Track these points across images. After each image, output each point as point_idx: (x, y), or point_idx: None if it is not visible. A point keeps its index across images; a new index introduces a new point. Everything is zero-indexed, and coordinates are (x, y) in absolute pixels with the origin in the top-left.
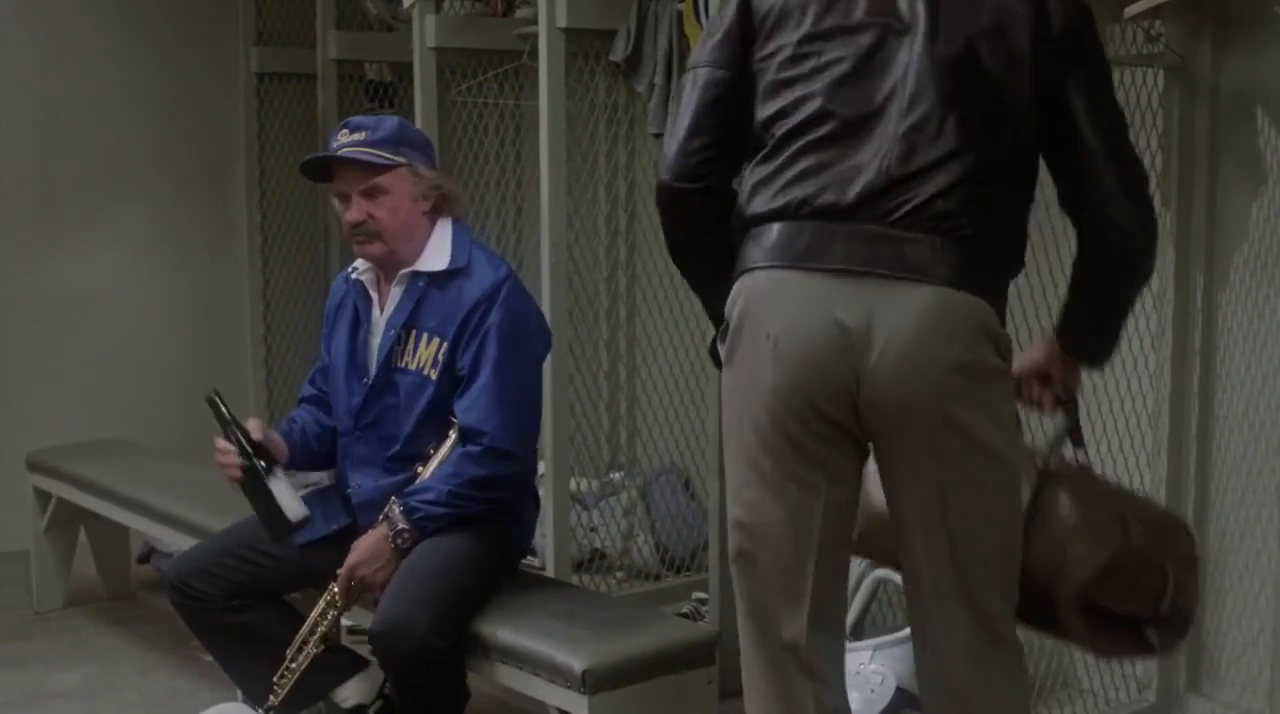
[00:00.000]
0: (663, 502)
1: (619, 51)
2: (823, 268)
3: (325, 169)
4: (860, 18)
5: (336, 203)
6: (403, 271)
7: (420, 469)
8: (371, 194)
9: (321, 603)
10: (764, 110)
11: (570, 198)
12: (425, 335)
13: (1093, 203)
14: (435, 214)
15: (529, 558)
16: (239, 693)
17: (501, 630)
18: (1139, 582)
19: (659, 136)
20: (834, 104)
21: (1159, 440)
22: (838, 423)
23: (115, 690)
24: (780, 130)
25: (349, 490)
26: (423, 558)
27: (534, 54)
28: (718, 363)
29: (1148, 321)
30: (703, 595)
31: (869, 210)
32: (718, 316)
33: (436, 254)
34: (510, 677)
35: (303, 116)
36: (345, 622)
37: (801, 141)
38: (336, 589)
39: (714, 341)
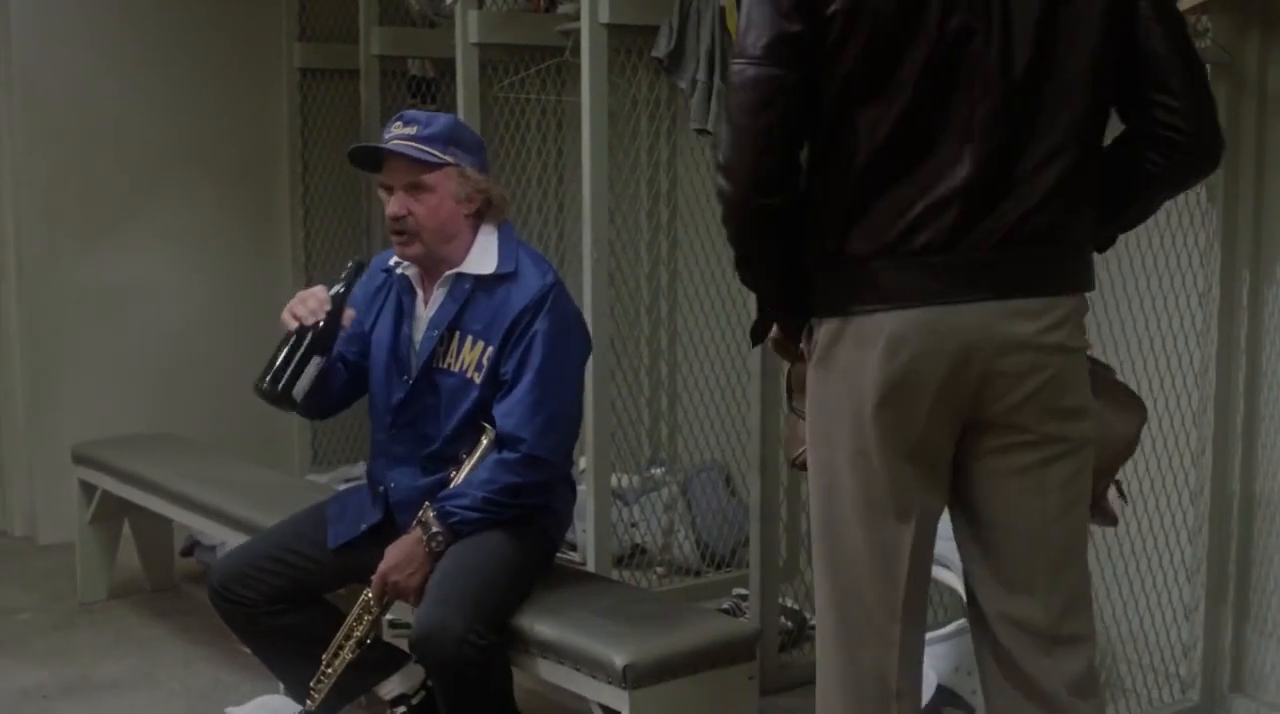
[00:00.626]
0: (703, 498)
1: (661, 47)
2: None
3: (374, 159)
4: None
5: (382, 193)
6: (447, 272)
7: (454, 472)
8: (415, 190)
9: (356, 608)
10: None
11: (612, 194)
12: (470, 338)
13: (1185, 105)
14: (479, 218)
15: (570, 553)
16: (281, 686)
17: (542, 625)
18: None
19: (701, 132)
20: None
21: (1203, 439)
22: None
23: (159, 682)
24: None
25: (384, 487)
26: (457, 559)
27: (576, 50)
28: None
29: (1193, 318)
30: (743, 592)
31: None
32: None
33: (483, 257)
34: (552, 672)
35: (346, 112)
36: (388, 615)
37: None
38: (371, 594)
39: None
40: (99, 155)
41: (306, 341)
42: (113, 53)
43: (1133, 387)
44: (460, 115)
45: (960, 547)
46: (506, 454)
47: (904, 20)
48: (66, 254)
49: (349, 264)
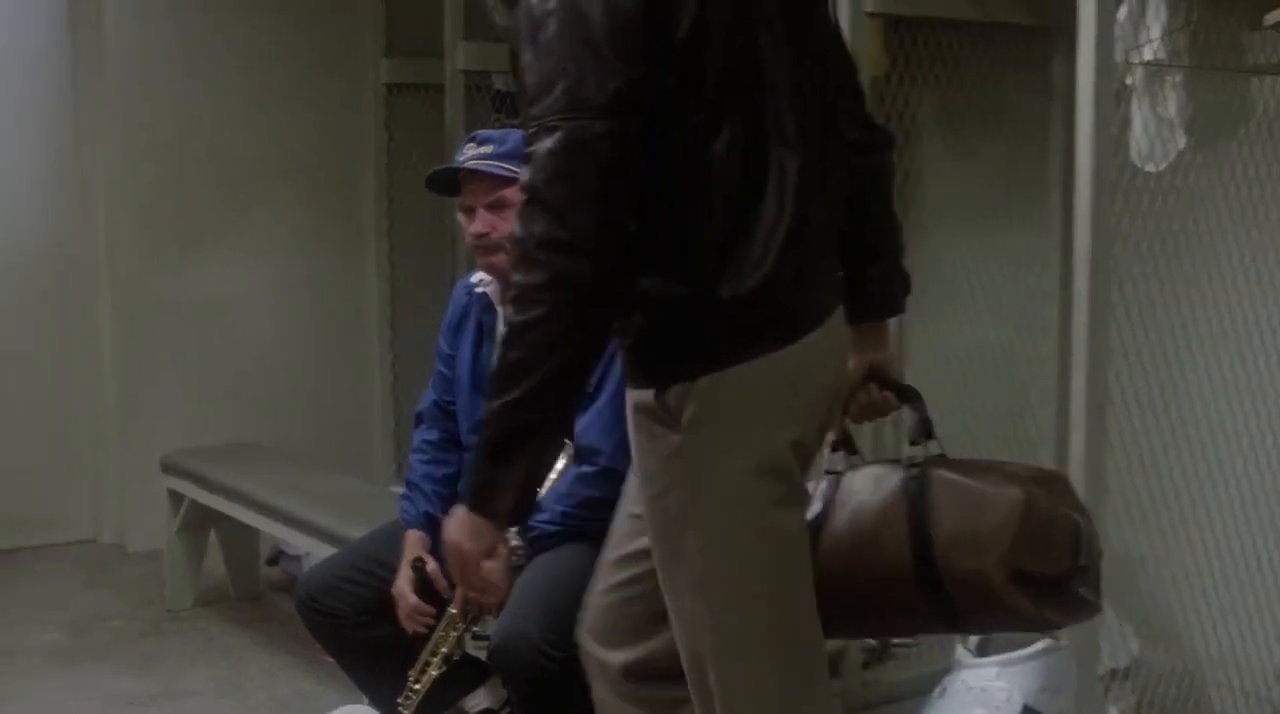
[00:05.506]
0: None
1: None
2: None
3: (451, 183)
4: None
5: (461, 217)
6: None
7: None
8: (496, 207)
9: (442, 623)
10: None
11: None
12: None
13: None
14: None
15: None
16: (365, 698)
17: None
18: (1054, 535)
19: None
20: None
21: None
22: None
23: (243, 690)
24: None
25: None
26: (536, 571)
27: None
28: None
29: None
30: None
31: None
32: None
33: None
34: None
35: (431, 127)
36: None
37: None
38: (454, 610)
39: None
40: (191, 170)
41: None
42: (205, 69)
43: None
44: None
45: None
46: (585, 467)
47: (744, 48)
48: (159, 266)
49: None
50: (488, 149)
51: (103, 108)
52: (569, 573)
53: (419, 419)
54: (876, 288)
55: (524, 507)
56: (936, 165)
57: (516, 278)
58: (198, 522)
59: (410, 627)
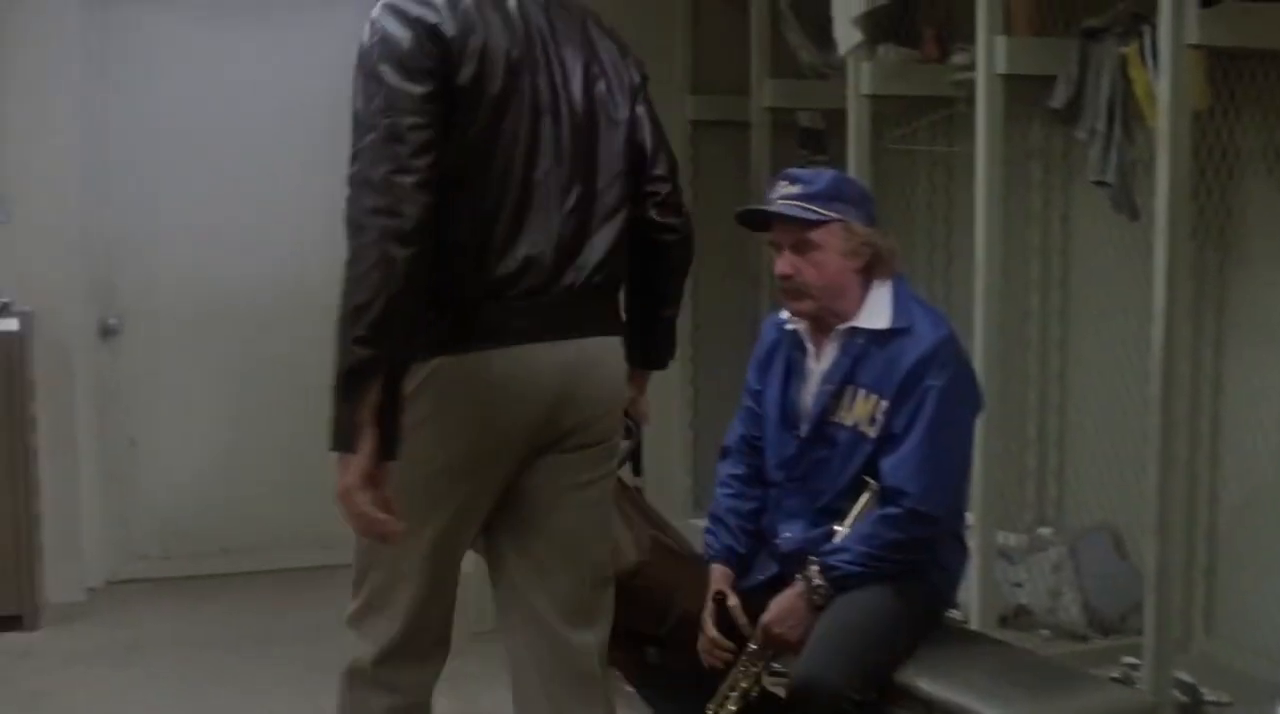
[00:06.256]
0: (1092, 560)
1: (1059, 97)
2: None
3: (761, 219)
4: None
5: (772, 249)
6: (840, 327)
7: (838, 526)
8: (801, 249)
9: (741, 659)
10: None
11: (1005, 246)
12: (863, 392)
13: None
14: (868, 272)
15: (951, 610)
16: None
17: (924, 682)
18: (644, 599)
19: (1100, 184)
20: None
21: None
22: None
23: None
24: None
25: (778, 540)
26: (839, 613)
27: (970, 100)
28: None
29: None
30: (1133, 661)
31: None
32: None
33: (877, 311)
34: None
35: (736, 162)
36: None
37: None
38: (754, 646)
39: None
40: None
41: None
42: None
43: None
44: (851, 166)
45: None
46: (890, 509)
47: (509, 94)
48: None
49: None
50: (797, 189)
51: None
52: (871, 615)
53: (724, 453)
54: (641, 350)
55: (385, 440)
56: (1261, 201)
57: (350, 241)
58: None
59: (708, 661)
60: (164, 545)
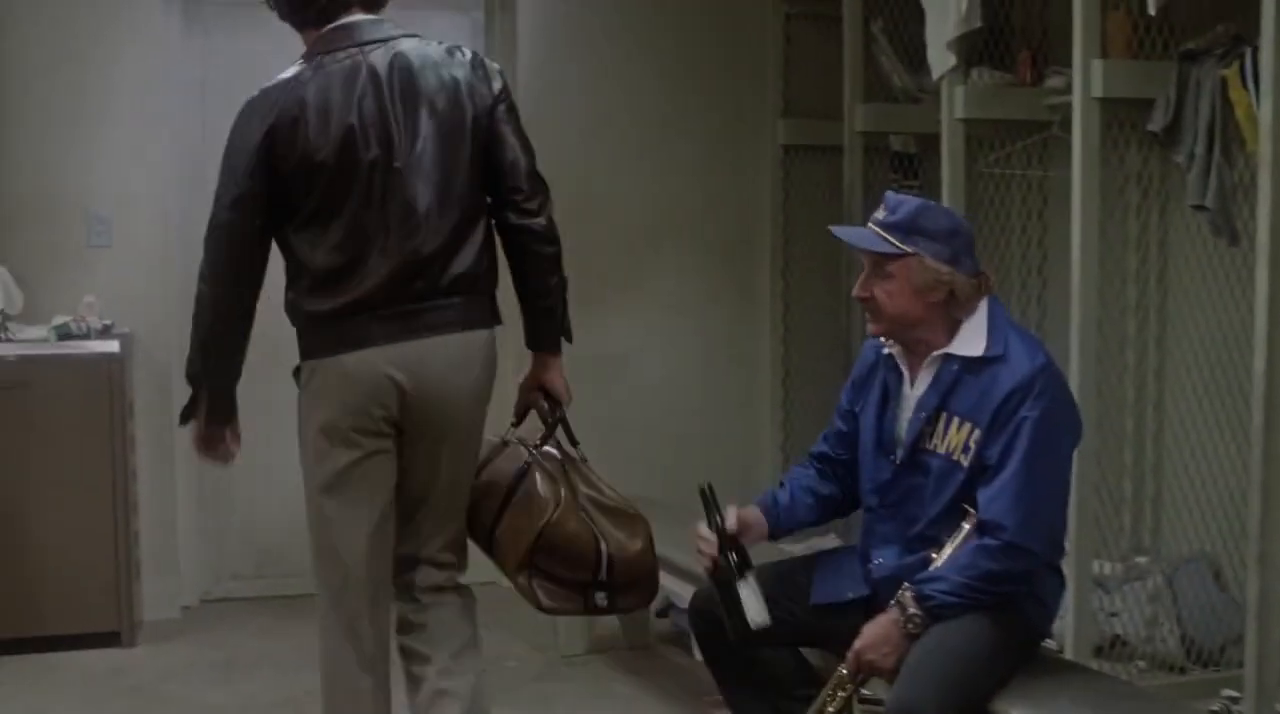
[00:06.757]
0: (1190, 590)
1: (1157, 121)
2: None
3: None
4: None
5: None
6: (934, 353)
7: (935, 554)
8: (878, 274)
9: (831, 682)
10: None
11: (1102, 272)
12: (957, 420)
13: (525, 211)
14: (946, 306)
15: (1045, 640)
16: None
17: (1018, 712)
18: (564, 548)
19: (1199, 208)
20: None
21: None
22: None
23: None
24: None
25: (871, 565)
26: (934, 642)
27: (1065, 124)
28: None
29: None
30: (1233, 694)
31: None
32: None
33: (973, 338)
34: None
35: (826, 187)
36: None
37: None
38: (844, 670)
39: None
40: (591, 227)
41: (724, 575)
42: (607, 131)
43: None
44: (944, 191)
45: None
46: (988, 540)
47: (341, 175)
48: None
49: (701, 493)
50: (882, 215)
51: None
52: (967, 644)
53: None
54: (531, 334)
55: (216, 410)
56: None
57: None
58: None
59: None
60: (257, 564)
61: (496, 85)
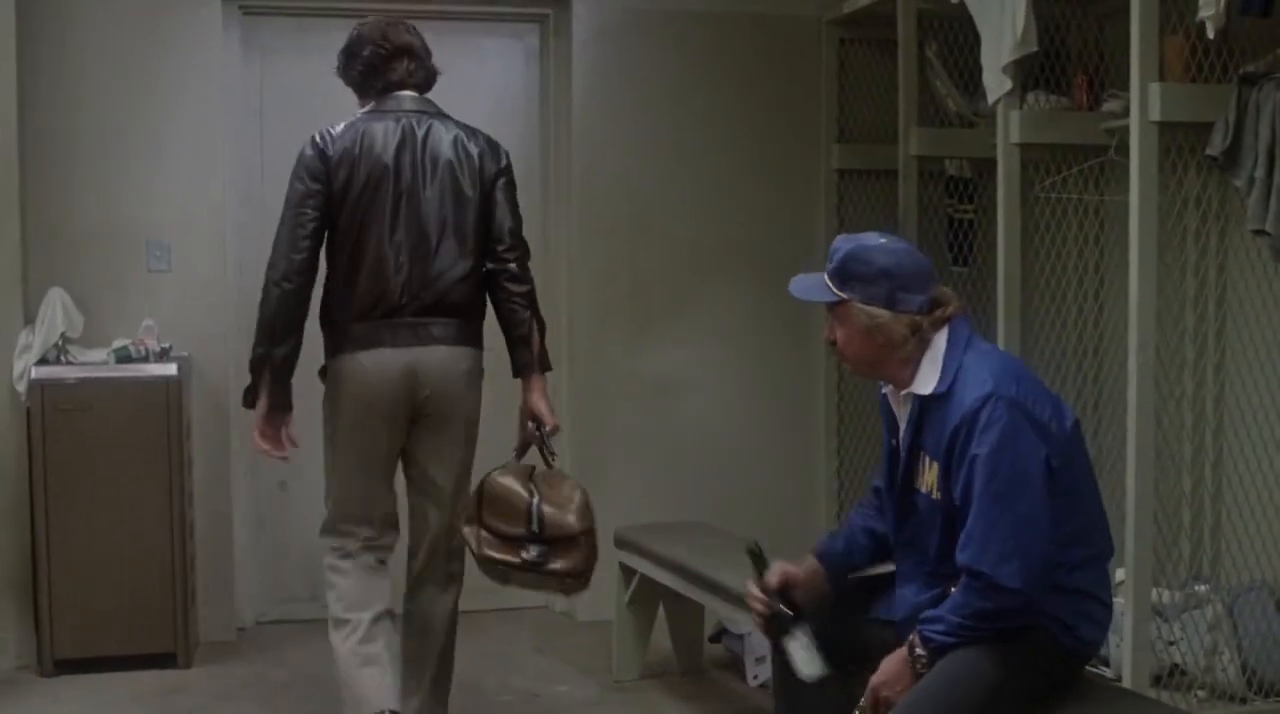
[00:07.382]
0: (1251, 619)
1: (1216, 144)
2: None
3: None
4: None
5: None
6: (903, 392)
7: (954, 589)
8: (834, 319)
9: None
10: None
11: (1160, 297)
12: (928, 458)
13: (504, 260)
14: (906, 345)
15: (1103, 668)
16: None
17: None
18: (508, 504)
19: (1260, 233)
20: None
21: None
22: None
23: None
24: None
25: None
26: (935, 674)
27: (1121, 148)
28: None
29: None
30: None
31: None
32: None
33: (929, 375)
34: None
35: (881, 211)
36: None
37: None
38: (864, 704)
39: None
40: (645, 252)
41: (778, 628)
42: (660, 155)
43: None
44: (1000, 215)
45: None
46: (972, 581)
47: (375, 189)
48: (613, 344)
49: (749, 551)
50: (829, 262)
51: (567, 194)
52: (968, 669)
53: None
54: (514, 362)
55: (272, 402)
56: None
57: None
58: (646, 596)
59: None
60: (312, 587)
61: (502, 162)
